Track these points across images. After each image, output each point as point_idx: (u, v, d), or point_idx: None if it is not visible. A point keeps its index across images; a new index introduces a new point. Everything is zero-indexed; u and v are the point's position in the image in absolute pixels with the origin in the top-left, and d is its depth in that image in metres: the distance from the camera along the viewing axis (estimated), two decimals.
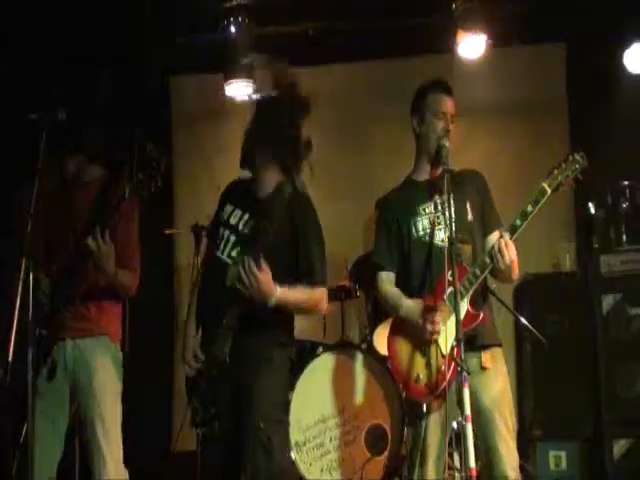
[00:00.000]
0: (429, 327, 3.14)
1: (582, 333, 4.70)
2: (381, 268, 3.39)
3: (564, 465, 4.70)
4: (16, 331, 2.92)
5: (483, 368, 3.18)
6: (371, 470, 4.28)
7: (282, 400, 3.15)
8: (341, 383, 4.41)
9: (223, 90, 5.38)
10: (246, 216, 3.16)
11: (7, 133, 4.91)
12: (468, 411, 2.87)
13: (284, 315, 3.12)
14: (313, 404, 4.38)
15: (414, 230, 3.32)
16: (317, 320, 4.89)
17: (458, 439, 3.01)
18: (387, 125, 5.37)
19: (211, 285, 3.19)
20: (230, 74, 5.27)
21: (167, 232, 5.45)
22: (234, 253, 3.10)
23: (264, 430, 2.94)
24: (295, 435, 4.33)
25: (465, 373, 2.89)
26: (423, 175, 3.40)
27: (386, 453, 4.30)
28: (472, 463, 2.83)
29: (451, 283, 3.06)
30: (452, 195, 3.12)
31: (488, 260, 3.13)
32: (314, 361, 4.43)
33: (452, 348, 3.05)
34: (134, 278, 3.49)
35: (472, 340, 3.13)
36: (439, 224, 3.26)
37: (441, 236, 3.24)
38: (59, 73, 5.04)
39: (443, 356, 3.13)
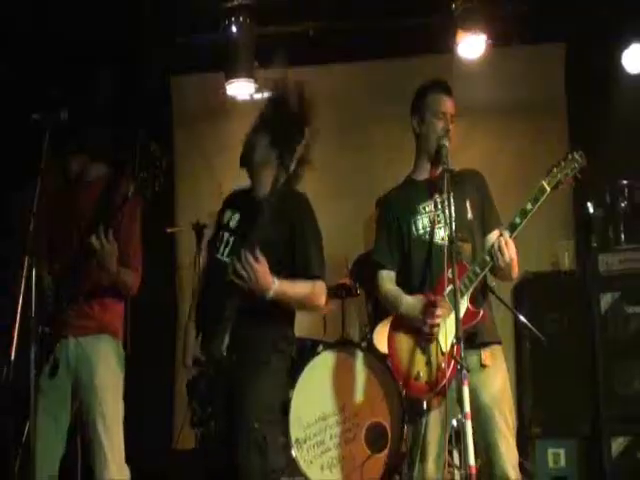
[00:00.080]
0: (429, 321, 3.15)
1: (581, 331, 4.72)
2: (381, 266, 3.39)
3: (563, 462, 4.71)
4: (19, 329, 2.92)
5: (483, 366, 3.19)
6: (371, 467, 4.30)
7: (278, 401, 3.15)
8: (341, 381, 4.43)
9: (224, 89, 5.40)
10: (244, 217, 3.19)
11: (7, 133, 4.93)
12: (468, 409, 2.87)
13: (284, 311, 3.14)
14: (314, 402, 4.40)
15: (414, 229, 3.32)
16: (318, 318, 4.92)
17: (458, 437, 3.01)
18: (387, 124, 5.39)
19: (211, 286, 3.21)
20: (231, 74, 5.29)
21: (168, 230, 5.48)
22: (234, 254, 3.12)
23: (259, 430, 2.95)
24: (296, 432, 4.35)
25: (465, 371, 2.90)
26: (423, 174, 3.40)
27: (386, 451, 4.31)
28: (472, 461, 2.83)
29: (451, 281, 3.07)
30: (452, 194, 3.12)
31: (488, 258, 3.14)
32: (314, 359, 4.45)
33: (452, 346, 3.06)
34: (136, 277, 3.49)
35: (472, 338, 3.14)
36: (439, 223, 3.26)
37: (441, 234, 3.25)
38: (59, 73, 5.04)
39: (443, 354, 3.14)
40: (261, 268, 2.96)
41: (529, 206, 3.12)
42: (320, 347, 4.53)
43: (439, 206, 3.27)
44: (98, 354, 3.42)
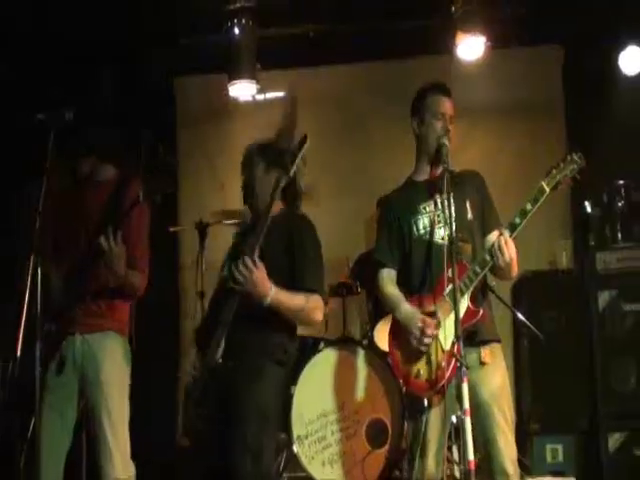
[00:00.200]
0: (424, 340, 3.16)
1: (578, 329, 4.73)
2: (382, 265, 3.41)
3: (561, 457, 4.74)
4: (25, 326, 2.93)
5: (482, 363, 3.20)
6: (372, 463, 4.33)
7: (273, 408, 3.15)
8: (342, 378, 4.46)
9: (227, 91, 5.43)
10: (247, 230, 3.26)
11: (7, 133, 4.95)
12: (467, 405, 2.89)
13: (284, 322, 3.16)
14: (315, 398, 4.43)
15: (415, 228, 3.34)
16: None
17: (457, 433, 3.05)
18: (387, 125, 5.42)
19: (216, 301, 3.28)
20: (234, 75, 5.31)
21: (172, 230, 5.49)
22: None
23: (253, 436, 2.98)
24: (297, 429, 4.38)
25: (464, 368, 2.92)
26: (423, 175, 3.42)
27: (386, 446, 4.34)
28: (471, 456, 2.86)
29: (451, 280, 3.08)
30: (452, 194, 3.14)
31: (488, 258, 3.15)
32: (316, 356, 4.48)
33: (452, 344, 3.07)
34: (143, 279, 3.48)
35: (472, 336, 3.16)
36: (439, 223, 3.28)
37: (441, 234, 3.27)
38: (59, 73, 5.06)
39: (444, 351, 3.15)
40: (259, 273, 3.01)
41: (529, 206, 3.14)
42: (321, 344, 4.56)
43: (439, 206, 3.28)
44: (104, 351, 3.42)
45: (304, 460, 4.36)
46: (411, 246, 3.35)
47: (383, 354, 4.28)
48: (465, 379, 2.93)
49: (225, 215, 5.11)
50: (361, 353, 4.48)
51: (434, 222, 3.30)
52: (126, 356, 3.52)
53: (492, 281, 3.51)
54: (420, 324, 3.18)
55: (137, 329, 3.79)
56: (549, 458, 4.75)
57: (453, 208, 3.13)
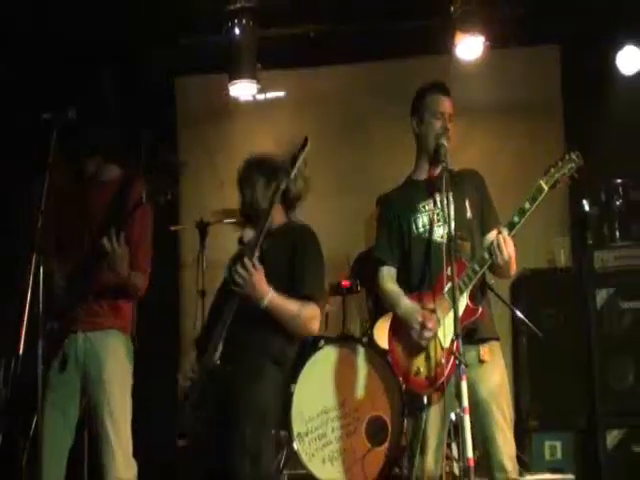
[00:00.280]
0: (425, 334, 3.19)
1: (576, 327, 4.73)
2: (382, 263, 3.42)
3: (559, 455, 4.76)
4: (27, 324, 2.93)
5: (481, 361, 3.22)
6: (371, 460, 4.34)
7: (272, 410, 3.16)
8: (342, 375, 4.47)
9: (227, 90, 5.46)
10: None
11: (7, 133, 4.97)
12: (466, 403, 2.91)
13: (283, 326, 3.16)
14: (315, 396, 4.43)
15: (414, 227, 3.35)
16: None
17: (456, 430, 3.05)
18: (388, 124, 5.44)
19: (217, 307, 3.30)
20: (234, 75, 5.34)
21: (172, 228, 5.51)
22: None
23: (252, 438, 2.99)
24: (297, 426, 4.38)
25: (463, 366, 2.94)
26: (423, 174, 3.44)
27: (386, 444, 4.35)
28: (470, 453, 2.88)
29: (450, 278, 3.10)
30: (451, 193, 3.16)
31: (487, 256, 3.17)
32: (316, 354, 4.48)
33: (451, 341, 3.08)
34: (145, 279, 3.49)
35: (471, 334, 3.18)
36: (438, 221, 3.29)
37: (440, 232, 3.28)
38: (59, 73, 5.07)
39: (443, 349, 3.16)
40: (258, 275, 3.04)
41: (527, 205, 3.15)
42: (322, 342, 4.55)
43: (438, 204, 3.29)
44: (107, 349, 3.42)
45: (304, 457, 4.37)
46: (410, 244, 3.36)
47: (383, 352, 4.30)
48: (464, 377, 2.94)
49: (226, 214, 5.11)
50: (361, 351, 4.49)
51: (433, 220, 3.32)
52: (129, 354, 3.52)
53: (491, 279, 3.52)
54: (420, 318, 3.20)
55: (137, 328, 3.81)
56: (548, 455, 4.77)
57: (452, 207, 3.15)
